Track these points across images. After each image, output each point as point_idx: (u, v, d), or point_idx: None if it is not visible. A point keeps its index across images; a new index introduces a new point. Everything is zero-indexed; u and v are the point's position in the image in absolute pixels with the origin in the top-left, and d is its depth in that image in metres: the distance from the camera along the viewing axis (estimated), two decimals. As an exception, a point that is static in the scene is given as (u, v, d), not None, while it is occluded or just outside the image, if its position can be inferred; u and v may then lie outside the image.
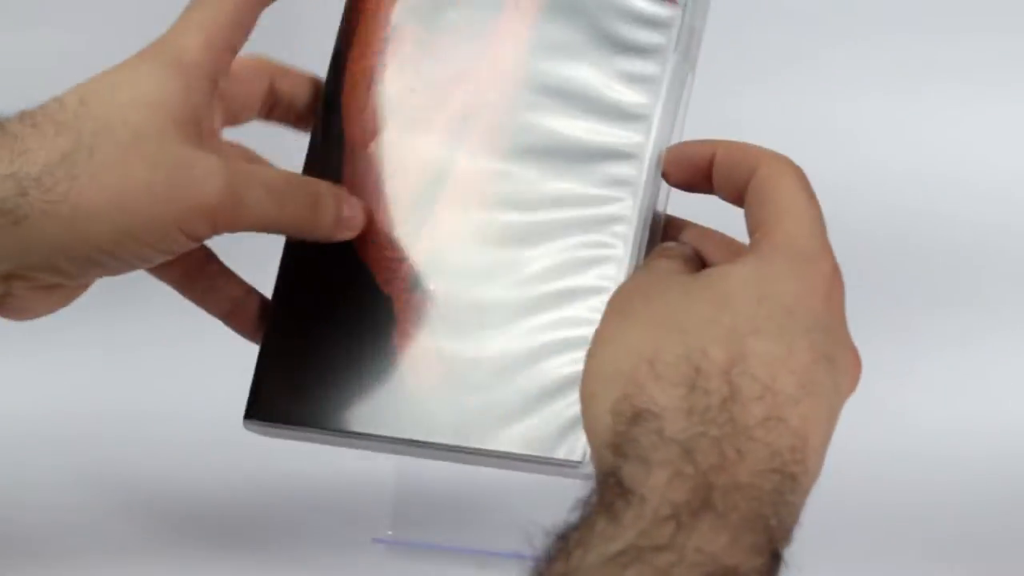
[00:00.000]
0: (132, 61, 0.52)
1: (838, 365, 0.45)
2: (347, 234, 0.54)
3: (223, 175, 0.50)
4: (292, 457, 0.78)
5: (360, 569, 0.68)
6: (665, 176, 0.52)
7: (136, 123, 0.50)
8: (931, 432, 0.85)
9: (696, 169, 0.51)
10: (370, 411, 0.53)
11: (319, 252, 0.55)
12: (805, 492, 0.43)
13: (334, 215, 0.54)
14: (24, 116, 0.49)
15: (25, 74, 0.83)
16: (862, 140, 0.94)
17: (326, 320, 0.54)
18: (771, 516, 0.40)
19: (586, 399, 0.45)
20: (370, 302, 0.54)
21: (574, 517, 0.40)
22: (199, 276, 0.58)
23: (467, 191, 0.53)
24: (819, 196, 0.48)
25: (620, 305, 0.47)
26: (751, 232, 0.48)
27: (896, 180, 0.93)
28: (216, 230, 0.51)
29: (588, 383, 0.45)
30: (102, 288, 0.55)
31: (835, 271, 0.47)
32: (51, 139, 0.48)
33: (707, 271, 0.47)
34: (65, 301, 0.54)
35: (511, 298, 0.52)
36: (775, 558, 0.40)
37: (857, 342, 0.47)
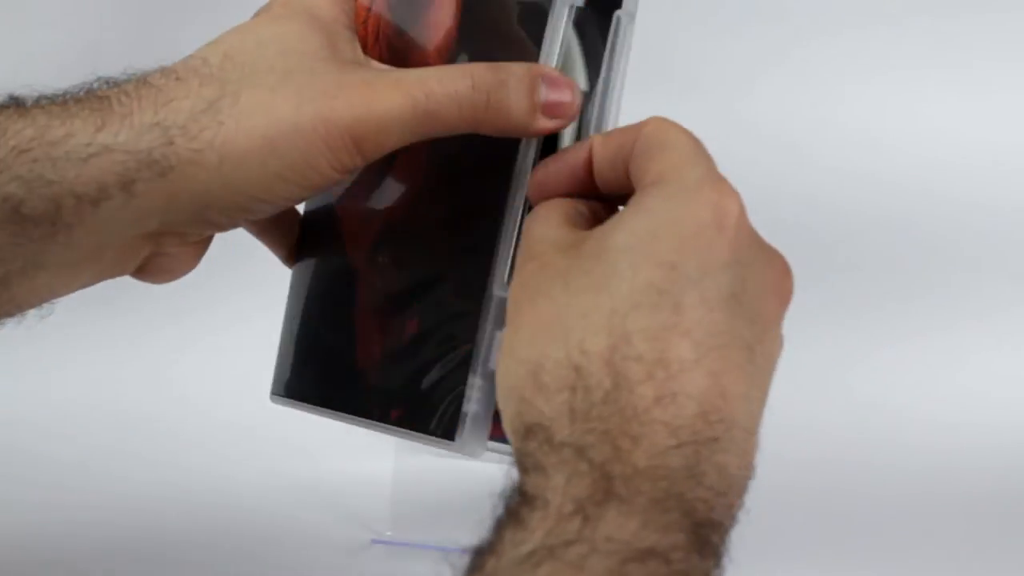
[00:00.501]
0: (263, 19, 0.50)
1: (746, 297, 0.42)
2: (548, 123, 0.48)
3: (363, 99, 0.47)
4: (292, 458, 0.79)
5: (359, 569, 0.68)
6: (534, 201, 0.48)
7: (284, 67, 0.48)
8: (910, 419, 0.85)
9: (574, 172, 0.47)
10: (333, 388, 0.53)
11: (320, 225, 0.55)
12: (740, 442, 0.41)
13: (523, 106, 0.47)
14: (166, 71, 0.48)
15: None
16: (853, 128, 0.93)
17: (317, 296, 0.55)
18: (689, 490, 0.40)
19: (500, 415, 0.44)
20: (343, 278, 0.53)
21: (486, 532, 0.40)
22: (281, 223, 0.56)
23: (410, 162, 0.52)
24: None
25: (512, 312, 0.45)
26: (636, 185, 0.45)
27: (879, 165, 0.93)
28: (365, 157, 0.47)
29: (498, 399, 0.44)
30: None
31: (724, 195, 0.42)
32: (196, 89, 0.47)
33: (590, 241, 0.44)
34: (200, 259, 0.53)
35: (436, 271, 0.51)
36: (703, 527, 0.40)
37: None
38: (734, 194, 0.43)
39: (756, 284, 0.43)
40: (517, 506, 0.40)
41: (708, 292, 0.41)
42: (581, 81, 0.49)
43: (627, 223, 0.43)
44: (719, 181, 0.43)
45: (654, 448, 0.40)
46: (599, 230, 0.44)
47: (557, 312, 0.43)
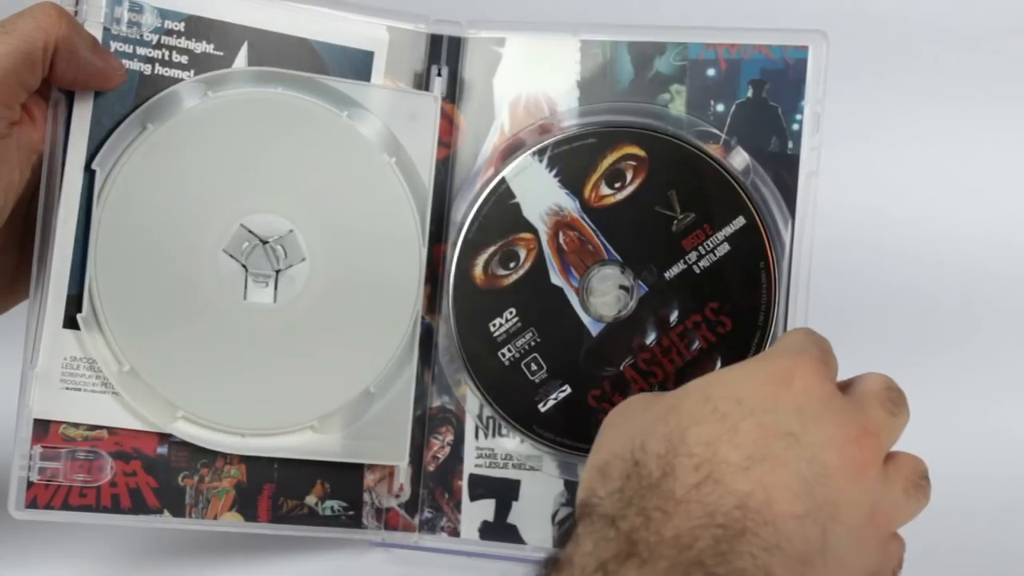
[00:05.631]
0: None
1: (806, 439, 0.48)
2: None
3: None
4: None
5: (359, 571, 0.67)
6: None
7: None
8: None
9: None
10: None
11: None
12: (790, 558, 0.45)
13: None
14: None
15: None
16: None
17: None
18: (715, 565, 0.44)
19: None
20: None
21: None
22: None
23: None
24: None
25: (600, 433, 0.53)
26: None
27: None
28: None
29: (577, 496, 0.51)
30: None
31: (798, 364, 0.50)
32: None
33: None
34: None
35: None
36: None
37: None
38: (810, 366, 0.50)
39: (818, 435, 0.48)
40: (547, 572, 0.45)
41: (766, 422, 0.48)
42: None
43: (714, 371, 0.53)
44: (800, 354, 0.51)
45: (686, 523, 0.45)
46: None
47: (632, 426, 0.51)
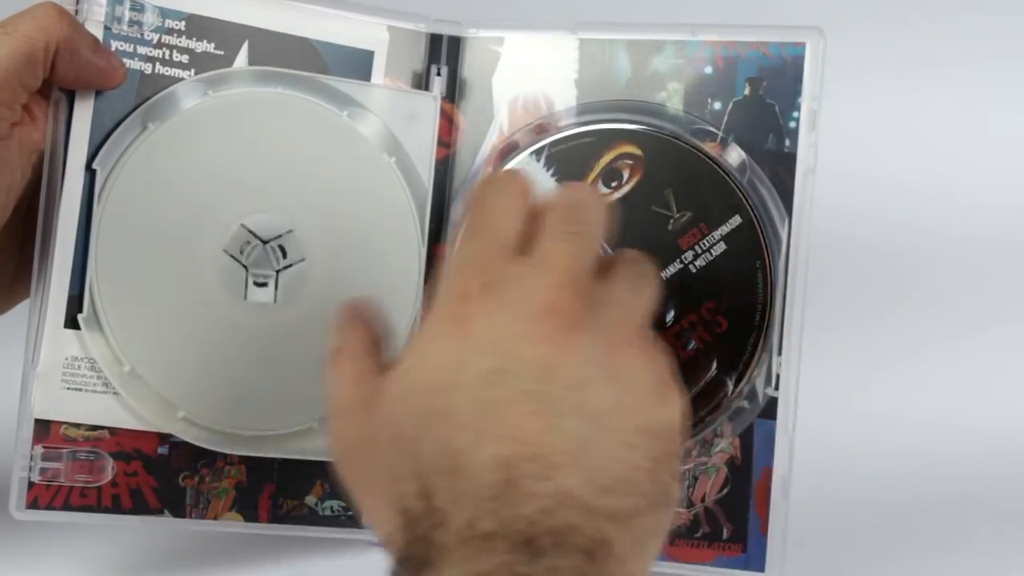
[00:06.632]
0: None
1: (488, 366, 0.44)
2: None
3: None
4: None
5: (359, 571, 0.67)
6: None
7: None
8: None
9: None
10: None
11: None
12: (576, 469, 0.42)
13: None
14: None
15: None
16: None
17: None
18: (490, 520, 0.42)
19: None
20: None
21: None
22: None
23: None
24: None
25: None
26: None
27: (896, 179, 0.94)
28: None
29: None
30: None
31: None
32: None
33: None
34: None
35: None
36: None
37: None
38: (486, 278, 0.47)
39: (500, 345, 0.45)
40: None
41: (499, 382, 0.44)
42: None
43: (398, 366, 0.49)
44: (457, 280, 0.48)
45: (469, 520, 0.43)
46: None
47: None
